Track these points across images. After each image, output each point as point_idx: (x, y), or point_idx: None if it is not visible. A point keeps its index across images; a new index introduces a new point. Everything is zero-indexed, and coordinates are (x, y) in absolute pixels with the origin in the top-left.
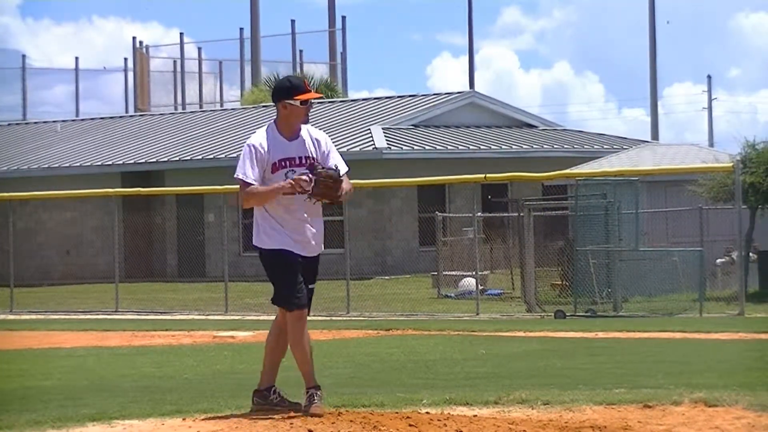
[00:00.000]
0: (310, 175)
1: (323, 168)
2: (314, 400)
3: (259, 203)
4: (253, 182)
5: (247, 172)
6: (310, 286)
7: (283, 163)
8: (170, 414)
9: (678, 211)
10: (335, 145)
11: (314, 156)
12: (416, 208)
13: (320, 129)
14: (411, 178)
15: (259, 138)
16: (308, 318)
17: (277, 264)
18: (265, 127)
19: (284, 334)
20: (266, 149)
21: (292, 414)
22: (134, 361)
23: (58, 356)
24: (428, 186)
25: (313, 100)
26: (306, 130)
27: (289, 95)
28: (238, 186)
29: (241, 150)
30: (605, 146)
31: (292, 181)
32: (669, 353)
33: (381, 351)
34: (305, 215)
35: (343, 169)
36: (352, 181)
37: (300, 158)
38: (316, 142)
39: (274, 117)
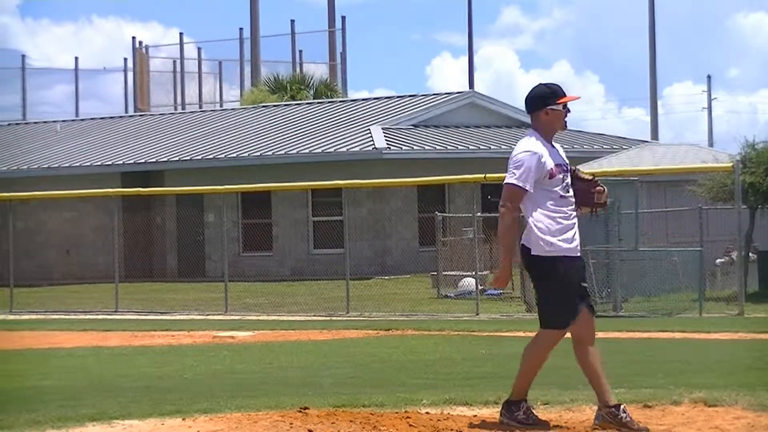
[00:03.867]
0: (590, 187)
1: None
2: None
3: (502, 227)
4: (527, 189)
5: (523, 178)
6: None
7: (558, 169)
8: (170, 414)
9: (678, 211)
10: (335, 145)
11: (567, 164)
12: (416, 208)
13: (320, 129)
14: (411, 178)
15: (537, 147)
16: (310, 318)
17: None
18: (532, 138)
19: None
20: (546, 157)
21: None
22: (134, 361)
23: (58, 356)
24: (428, 186)
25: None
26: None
27: (551, 101)
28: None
29: (241, 148)
30: (605, 146)
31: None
32: (669, 353)
33: (381, 351)
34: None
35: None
36: (351, 181)
37: (565, 165)
38: (557, 151)
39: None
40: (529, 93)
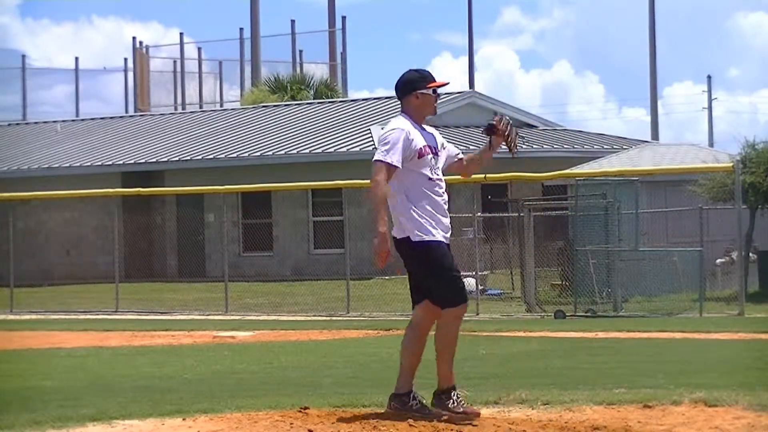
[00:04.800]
0: (499, 127)
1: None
2: (461, 401)
3: (373, 200)
4: (398, 165)
5: (391, 154)
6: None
7: (426, 150)
8: (170, 414)
9: (678, 211)
10: (335, 145)
11: (438, 145)
12: None
13: (320, 129)
14: None
15: (404, 124)
16: (310, 318)
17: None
18: (400, 119)
19: (424, 335)
20: (414, 136)
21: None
22: (134, 361)
23: (58, 356)
24: None
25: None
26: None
27: (421, 85)
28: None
29: (241, 148)
30: (605, 146)
31: (379, 253)
32: (669, 353)
33: (381, 351)
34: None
35: (457, 151)
36: (351, 181)
37: (435, 147)
38: (433, 136)
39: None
40: (400, 77)
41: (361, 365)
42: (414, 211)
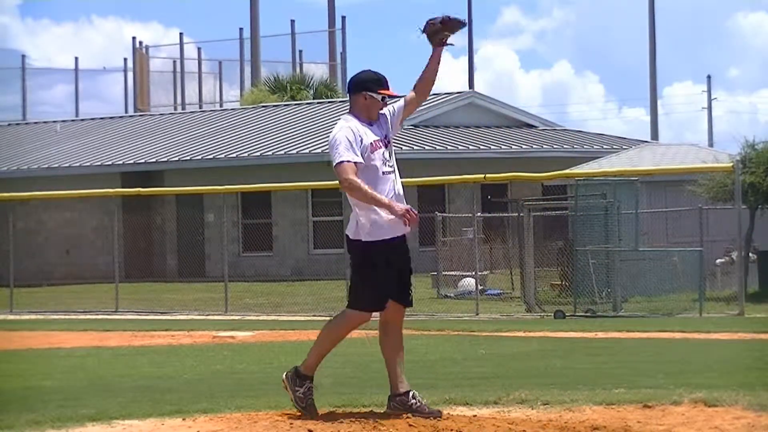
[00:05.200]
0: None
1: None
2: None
3: (358, 194)
4: (361, 161)
5: (346, 154)
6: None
7: (377, 144)
8: (170, 414)
9: (677, 211)
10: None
11: (389, 134)
12: (416, 208)
13: (320, 129)
14: (410, 178)
15: (350, 123)
16: (310, 318)
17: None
18: (346, 118)
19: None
20: (362, 131)
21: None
22: (134, 361)
23: (57, 356)
24: (428, 186)
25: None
26: None
27: (374, 88)
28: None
29: (241, 148)
30: (605, 146)
31: (406, 212)
32: (669, 353)
33: (380, 351)
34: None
35: (401, 106)
36: None
37: (385, 138)
38: (384, 117)
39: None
40: (355, 75)
41: (361, 365)
42: (372, 210)
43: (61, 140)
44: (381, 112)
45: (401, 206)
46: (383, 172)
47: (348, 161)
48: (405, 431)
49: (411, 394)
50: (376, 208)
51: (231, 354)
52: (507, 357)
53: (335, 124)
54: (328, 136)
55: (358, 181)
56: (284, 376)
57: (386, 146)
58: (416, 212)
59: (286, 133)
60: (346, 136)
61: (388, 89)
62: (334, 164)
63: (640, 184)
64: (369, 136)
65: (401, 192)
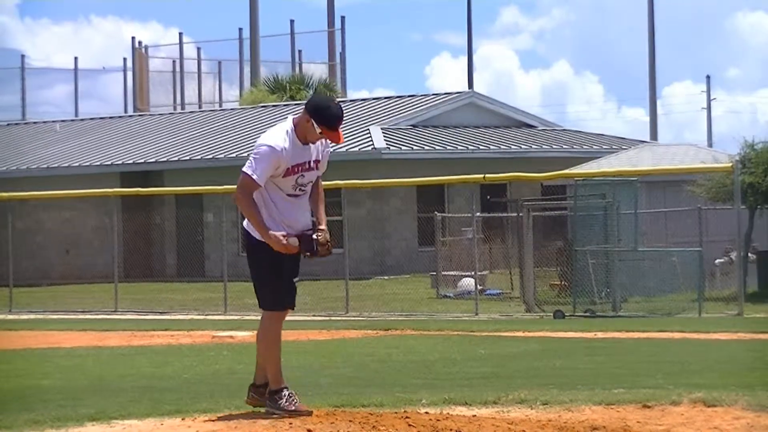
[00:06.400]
0: (317, 241)
1: (320, 238)
2: (289, 399)
3: (246, 212)
4: (260, 184)
5: (259, 173)
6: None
7: (297, 168)
8: (169, 414)
9: (677, 211)
10: (333, 146)
11: (318, 157)
12: (415, 208)
13: None
14: (410, 178)
15: (282, 141)
16: (309, 318)
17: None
18: (286, 130)
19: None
20: (287, 155)
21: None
22: (133, 361)
23: (57, 356)
24: (427, 186)
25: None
26: None
27: (320, 121)
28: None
29: (240, 148)
30: (604, 146)
31: (285, 243)
32: (668, 353)
33: (380, 351)
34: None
35: (323, 170)
36: (350, 181)
37: (311, 162)
38: (322, 143)
39: (297, 115)
40: (319, 97)
41: (360, 365)
42: (265, 217)
43: (60, 140)
44: (312, 146)
45: (277, 238)
46: (288, 194)
47: (251, 177)
48: (404, 431)
49: (284, 392)
50: (264, 212)
51: (230, 354)
52: (506, 357)
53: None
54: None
55: (249, 198)
56: (267, 405)
57: (308, 170)
58: (296, 249)
59: None
60: (272, 155)
61: (331, 130)
62: (243, 169)
63: (640, 185)
64: (295, 158)
65: (305, 213)
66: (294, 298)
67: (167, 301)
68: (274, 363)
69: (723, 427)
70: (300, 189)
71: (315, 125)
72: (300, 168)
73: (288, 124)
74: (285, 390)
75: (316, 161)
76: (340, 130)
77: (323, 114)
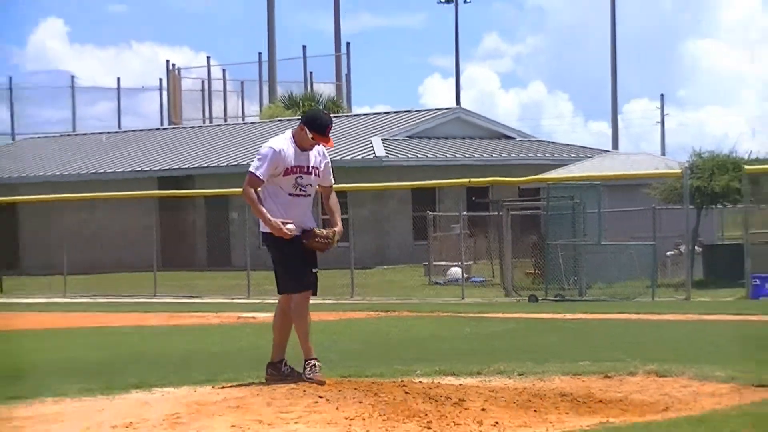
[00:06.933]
0: (314, 231)
1: (320, 231)
2: (316, 370)
3: (250, 204)
4: (263, 180)
5: (261, 170)
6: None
7: (295, 169)
8: (201, 382)
9: (634, 210)
10: (341, 154)
11: (317, 165)
12: (410, 208)
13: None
14: (406, 182)
15: (282, 144)
16: (319, 302)
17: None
18: (286, 136)
19: (289, 315)
20: (286, 155)
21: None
22: (170, 338)
23: (105, 334)
24: (421, 189)
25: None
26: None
27: (311, 129)
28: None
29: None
30: (572, 155)
31: (284, 229)
32: (626, 332)
33: (381, 330)
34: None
35: (331, 180)
36: (354, 185)
37: (309, 167)
38: (321, 153)
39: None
40: (311, 110)
41: (364, 341)
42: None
43: (105, 150)
44: (320, 151)
45: (276, 223)
46: (289, 194)
47: (255, 175)
48: (401, 397)
49: (284, 362)
50: (272, 208)
51: (253, 332)
52: (488, 335)
53: (339, 133)
54: (335, 146)
55: (252, 191)
56: (304, 373)
57: (307, 173)
58: (292, 232)
59: None
60: (272, 155)
61: (321, 135)
62: (249, 168)
63: (603, 188)
64: (292, 160)
65: (307, 213)
66: (311, 283)
67: (199, 287)
68: (304, 335)
69: (672, 394)
70: (300, 189)
71: (308, 132)
72: (298, 169)
73: (287, 134)
74: (313, 360)
75: (315, 168)
76: (330, 136)
77: (314, 123)
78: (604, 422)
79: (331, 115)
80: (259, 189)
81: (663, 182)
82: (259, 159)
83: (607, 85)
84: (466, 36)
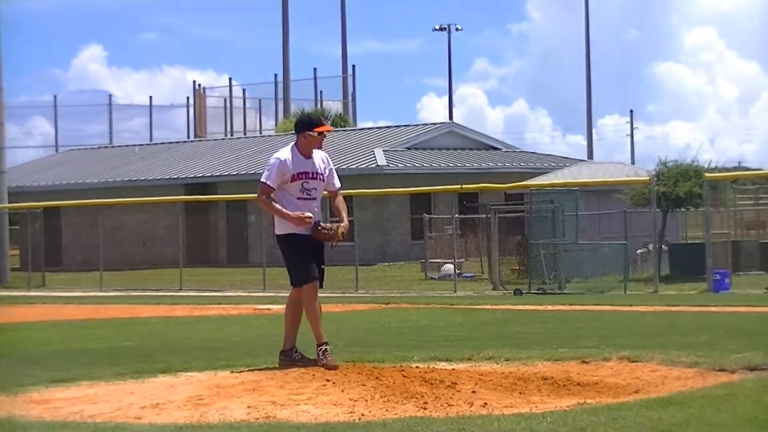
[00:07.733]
0: (320, 226)
1: (325, 225)
2: (327, 354)
3: (265, 208)
4: (273, 187)
5: (271, 179)
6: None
7: (300, 176)
8: (221, 367)
9: (607, 213)
10: (347, 163)
11: (322, 172)
12: (409, 211)
13: (336, 151)
14: (405, 188)
15: (286, 155)
16: (327, 295)
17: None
18: (290, 147)
19: (299, 306)
20: (290, 164)
21: (311, 367)
22: (194, 327)
23: (136, 323)
24: (417, 194)
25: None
26: (317, 152)
27: (309, 128)
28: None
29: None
30: (552, 164)
31: (301, 216)
32: (601, 322)
33: (382, 320)
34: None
35: (337, 184)
36: (359, 191)
37: (313, 173)
38: (325, 161)
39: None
40: (298, 118)
41: (367, 330)
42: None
43: (138, 159)
44: (324, 158)
45: (296, 214)
46: (297, 197)
47: (266, 184)
48: (400, 380)
49: (295, 348)
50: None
51: (268, 322)
52: (478, 324)
53: (348, 146)
54: (342, 156)
55: (265, 197)
56: (318, 359)
57: (312, 179)
58: (311, 218)
59: None
60: (278, 164)
61: (320, 126)
62: (260, 179)
63: (579, 193)
64: (297, 167)
65: (317, 215)
66: (317, 276)
67: (220, 281)
68: (315, 322)
69: (643, 378)
70: (307, 193)
71: (311, 132)
72: (303, 175)
73: (290, 145)
74: (326, 345)
75: (320, 174)
76: (325, 125)
77: (311, 122)
78: (581, 403)
79: (338, 129)
80: (272, 195)
81: (633, 188)
82: (267, 169)
83: (582, 102)
84: (458, 59)
